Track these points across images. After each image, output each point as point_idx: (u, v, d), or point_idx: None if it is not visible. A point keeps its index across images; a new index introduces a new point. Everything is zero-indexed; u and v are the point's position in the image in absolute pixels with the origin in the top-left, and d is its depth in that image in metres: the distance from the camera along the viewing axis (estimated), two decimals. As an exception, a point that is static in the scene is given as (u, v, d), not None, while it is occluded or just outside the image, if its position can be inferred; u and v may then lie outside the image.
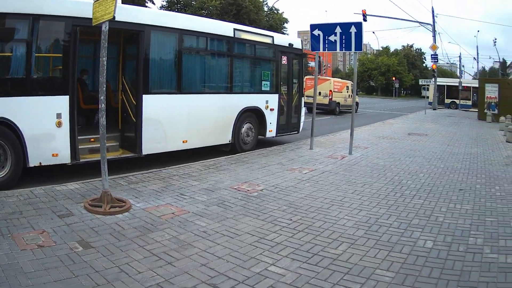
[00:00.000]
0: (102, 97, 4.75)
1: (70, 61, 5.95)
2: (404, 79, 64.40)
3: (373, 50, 64.94)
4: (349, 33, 8.56)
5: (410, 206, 5.43)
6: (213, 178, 6.61)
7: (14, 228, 3.99)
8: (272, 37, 9.92)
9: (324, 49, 9.18)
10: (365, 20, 23.81)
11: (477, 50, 43.51)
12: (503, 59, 53.93)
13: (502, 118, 17.63)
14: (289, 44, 10.41)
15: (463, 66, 45.61)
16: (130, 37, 7.34)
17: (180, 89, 7.74)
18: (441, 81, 36.71)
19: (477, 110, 23.82)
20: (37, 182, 5.85)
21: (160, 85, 7.49)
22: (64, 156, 5.98)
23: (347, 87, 23.42)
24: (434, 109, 29.98)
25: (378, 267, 3.55)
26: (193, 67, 8.14)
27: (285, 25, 39.94)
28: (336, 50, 9.03)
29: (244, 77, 9.49)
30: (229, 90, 8.96)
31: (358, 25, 8.56)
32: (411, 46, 74.28)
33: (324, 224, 4.62)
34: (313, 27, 9.28)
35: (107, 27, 4.67)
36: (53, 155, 5.84)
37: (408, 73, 66.20)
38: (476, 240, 4.23)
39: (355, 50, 8.67)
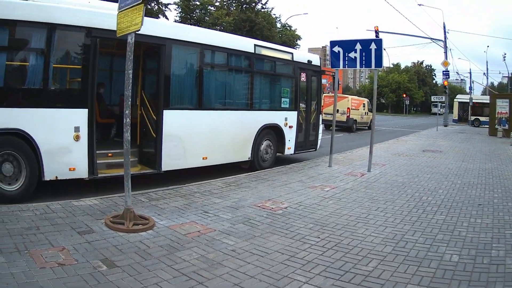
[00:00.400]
0: (127, 111, 4.62)
1: (89, 74, 5.86)
2: (415, 96, 63.95)
3: (384, 67, 64.79)
4: (369, 50, 8.44)
5: (433, 222, 5.35)
6: (235, 195, 6.38)
7: (31, 244, 3.78)
8: (292, 53, 9.83)
9: (344, 66, 9.04)
10: (377, 36, 23.69)
11: (487, 65, 42.73)
12: (510, 74, 53.02)
13: None
14: (308, 61, 10.31)
15: (473, 82, 44.76)
16: (150, 50, 7.27)
17: (200, 105, 7.62)
18: (463, 98, 36.22)
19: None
20: (53, 196, 5.70)
21: (180, 100, 7.38)
22: (82, 171, 5.82)
23: (364, 104, 23.67)
24: (445, 126, 29.75)
25: (409, 282, 3.53)
26: (214, 83, 8.04)
27: (298, 42, 39.96)
28: (356, 67, 8.88)
29: (263, 93, 9.35)
30: (249, 106, 8.82)
31: (378, 42, 8.45)
32: (422, 63, 74.25)
33: (352, 241, 4.51)
34: (333, 43, 9.17)
35: (133, 39, 4.56)
36: (70, 169, 5.69)
37: (418, 90, 65.79)
38: (498, 253, 4.29)
39: (375, 67, 8.56)
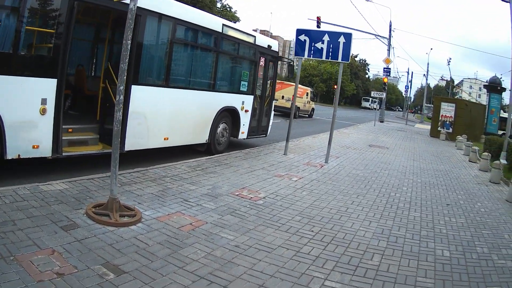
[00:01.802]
0: (121, 87, 4.09)
1: (62, 40, 5.04)
2: (346, 88, 64.64)
3: None
4: (338, 43, 8.50)
5: (411, 219, 5.66)
6: (206, 181, 6.12)
7: (14, 246, 3.14)
8: (254, 37, 9.57)
9: (309, 56, 9.05)
10: (318, 27, 23.78)
11: (428, 67, 46.16)
12: (451, 78, 58.10)
13: (460, 137, 17.87)
14: (268, 45, 10.14)
15: (410, 81, 47.98)
16: (121, 19, 6.48)
17: (167, 83, 7.07)
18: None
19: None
20: (12, 177, 4.94)
21: (149, 76, 6.76)
22: (46, 149, 5.05)
23: (307, 93, 24.40)
24: (381, 122, 30.24)
25: (417, 275, 3.77)
26: (182, 61, 7.52)
27: (237, 24, 39.26)
28: (321, 58, 8.94)
29: (225, 75, 9.03)
30: (212, 87, 8.43)
31: (348, 36, 8.54)
32: (356, 56, 76.03)
33: (346, 236, 4.64)
34: (299, 32, 9.09)
35: (136, 5, 4.00)
36: (33, 146, 4.90)
37: (350, 82, 66.68)
38: (483, 249, 4.70)
39: (342, 60, 8.63)
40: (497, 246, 4.91)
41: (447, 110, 22.41)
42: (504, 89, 26.70)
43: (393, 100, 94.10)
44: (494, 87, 25.47)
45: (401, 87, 73.91)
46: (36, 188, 4.47)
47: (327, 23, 26.51)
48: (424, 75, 48.75)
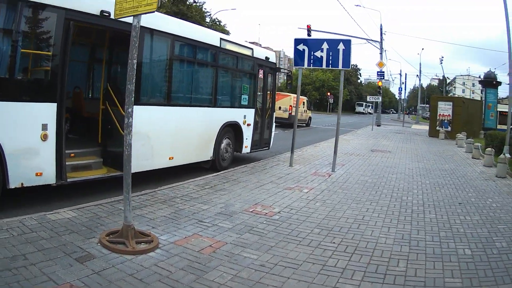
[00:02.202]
0: (130, 110, 3.90)
1: (60, 62, 4.88)
2: (339, 95, 64.74)
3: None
4: (337, 50, 8.41)
5: (428, 221, 5.55)
6: (218, 200, 5.91)
7: (29, 283, 2.91)
8: (252, 49, 9.49)
9: (309, 65, 8.95)
10: (309, 35, 23.70)
11: (420, 67, 46.43)
12: (443, 76, 58.10)
13: (460, 135, 17.78)
14: (266, 57, 10.06)
15: (403, 83, 47.95)
16: (118, 38, 6.36)
17: (169, 101, 6.92)
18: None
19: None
20: (15, 206, 4.71)
21: (150, 95, 6.62)
22: (49, 176, 4.85)
23: (304, 102, 24.31)
24: (378, 126, 29.99)
25: (444, 276, 3.72)
26: (182, 78, 7.39)
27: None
28: (322, 67, 8.84)
29: (226, 90, 8.91)
30: (213, 103, 8.29)
31: (347, 43, 8.47)
32: None
33: (368, 244, 4.50)
34: (297, 41, 9.02)
35: (140, 22, 3.86)
36: (36, 174, 4.69)
37: (343, 88, 66.63)
38: (502, 244, 4.68)
39: (343, 67, 8.54)
40: None
41: (444, 109, 22.39)
42: (500, 83, 26.62)
43: (387, 103, 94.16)
44: (489, 82, 25.65)
45: (395, 89, 73.77)
46: (43, 218, 4.24)
47: (318, 31, 26.48)
48: (417, 75, 48.67)
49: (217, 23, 39.52)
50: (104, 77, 6.54)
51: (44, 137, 4.71)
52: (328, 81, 63.33)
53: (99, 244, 3.76)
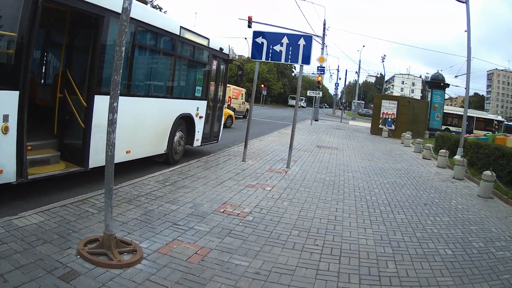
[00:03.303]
0: (115, 104, 3.53)
1: (24, 45, 4.24)
2: (273, 87, 63.58)
3: (243, 56, 62.51)
4: (297, 45, 8.40)
5: (400, 221, 5.81)
6: (184, 199, 5.67)
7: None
8: (208, 39, 9.15)
9: (267, 59, 8.87)
10: (249, 26, 23.29)
11: (359, 64, 48.03)
12: (380, 74, 60.29)
13: (407, 135, 18.12)
14: (220, 48, 9.81)
15: (339, 78, 49.41)
16: (81, 22, 5.70)
17: (129, 91, 6.42)
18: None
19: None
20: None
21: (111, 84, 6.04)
22: (9, 173, 4.25)
23: (242, 94, 24.06)
24: (316, 120, 30.03)
25: (435, 275, 3.95)
26: (142, 66, 6.90)
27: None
28: (280, 61, 8.83)
29: (182, 80, 8.51)
30: (170, 94, 7.89)
31: (308, 39, 8.51)
32: None
33: (351, 246, 4.64)
34: (256, 34, 8.88)
35: (131, 4, 3.49)
36: None
37: (277, 81, 65.79)
38: (479, 244, 5.07)
39: (302, 63, 8.55)
40: (490, 239, 5.33)
41: (389, 107, 22.76)
42: (448, 85, 27.70)
43: (321, 98, 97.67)
44: (437, 83, 26.57)
45: (331, 84, 76.16)
46: (10, 225, 3.71)
47: (259, 22, 26.19)
48: (356, 72, 50.41)
49: (158, 9, 37.54)
50: (62, 63, 5.83)
51: (5, 130, 4.08)
52: (262, 73, 62.85)
53: (78, 256, 3.37)
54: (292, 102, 67.17)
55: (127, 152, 6.59)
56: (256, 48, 8.88)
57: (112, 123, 3.56)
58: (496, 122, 36.27)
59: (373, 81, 70.96)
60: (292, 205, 6.10)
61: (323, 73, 28.19)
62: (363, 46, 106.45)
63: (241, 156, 9.54)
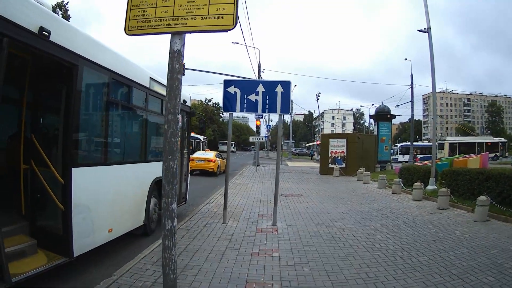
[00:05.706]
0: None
1: None
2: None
3: None
4: (275, 93, 7.80)
5: (426, 263, 5.58)
6: (198, 284, 4.64)
7: None
8: (175, 91, 8.28)
9: (241, 110, 8.05)
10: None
11: (291, 103, 48.68)
12: (309, 111, 61.22)
13: (365, 172, 18.13)
14: (184, 100, 8.97)
15: (271, 120, 49.08)
16: (47, 73, 4.55)
17: (106, 158, 5.28)
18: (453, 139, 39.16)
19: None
20: None
21: (89, 152, 4.90)
22: None
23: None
24: (258, 166, 28.31)
25: None
26: (117, 127, 5.84)
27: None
28: (257, 112, 8.19)
29: (153, 140, 7.42)
30: (144, 157, 6.82)
31: (286, 85, 7.90)
32: (210, 101, 77.14)
33: None
34: (228, 83, 8.14)
35: (184, 43, 2.68)
36: None
37: (207, 128, 64.69)
38: (510, 264, 5.38)
39: (281, 112, 7.92)
40: (505, 271, 5.18)
41: (337, 146, 22.69)
42: (394, 116, 28.35)
43: (248, 140, 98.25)
44: (383, 115, 27.12)
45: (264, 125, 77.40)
46: None
47: (190, 69, 25.35)
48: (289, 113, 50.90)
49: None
50: (23, 125, 4.54)
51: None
52: (192, 120, 62.85)
53: None
54: (222, 147, 67.27)
55: (109, 231, 5.34)
56: (228, 99, 8.09)
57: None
58: (500, 144, 43.28)
59: (301, 119, 73.34)
60: (313, 270, 5.32)
61: (261, 117, 27.86)
62: (295, 85, 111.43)
63: (218, 217, 8.58)
